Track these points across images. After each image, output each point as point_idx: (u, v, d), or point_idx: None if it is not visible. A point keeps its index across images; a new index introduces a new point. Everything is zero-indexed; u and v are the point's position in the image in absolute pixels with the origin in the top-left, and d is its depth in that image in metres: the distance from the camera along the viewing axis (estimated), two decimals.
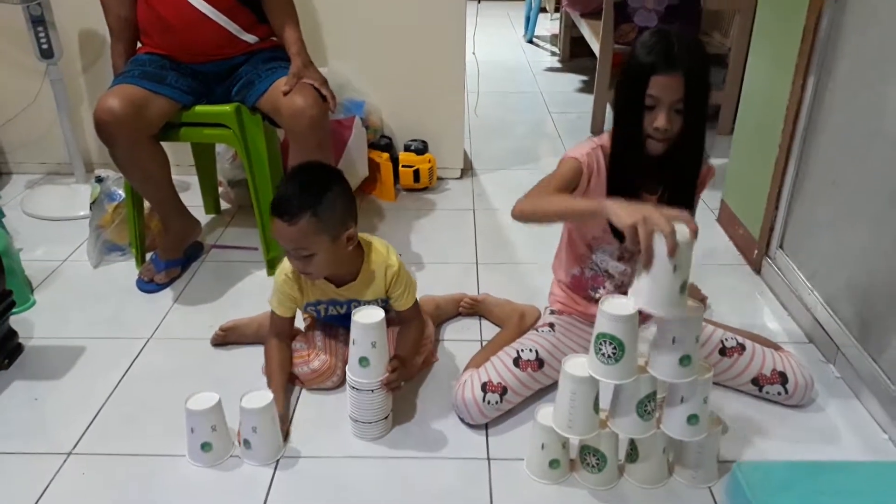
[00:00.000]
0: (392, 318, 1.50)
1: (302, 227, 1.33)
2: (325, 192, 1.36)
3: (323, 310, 1.54)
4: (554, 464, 1.31)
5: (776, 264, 1.92)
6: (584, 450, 1.30)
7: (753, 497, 0.90)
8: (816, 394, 1.52)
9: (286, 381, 1.51)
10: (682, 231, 1.09)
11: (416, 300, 1.55)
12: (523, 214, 1.32)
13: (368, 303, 1.49)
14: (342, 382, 1.53)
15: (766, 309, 1.87)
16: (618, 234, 1.37)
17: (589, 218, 1.32)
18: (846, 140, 1.63)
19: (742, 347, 1.49)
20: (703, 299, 1.83)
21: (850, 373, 1.56)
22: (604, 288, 1.54)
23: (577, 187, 1.38)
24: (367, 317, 1.34)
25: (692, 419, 1.23)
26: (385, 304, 1.52)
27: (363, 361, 1.35)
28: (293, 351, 1.55)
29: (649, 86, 1.26)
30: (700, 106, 1.30)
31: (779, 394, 1.47)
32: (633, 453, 1.31)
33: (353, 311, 1.36)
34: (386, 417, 1.42)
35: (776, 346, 1.52)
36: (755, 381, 1.48)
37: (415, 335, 1.54)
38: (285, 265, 1.48)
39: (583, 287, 1.56)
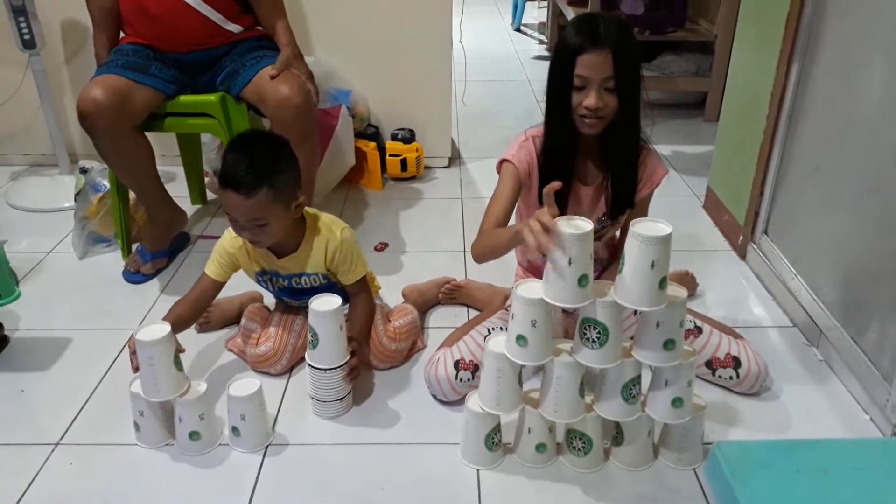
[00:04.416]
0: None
1: (259, 200, 1.33)
2: (278, 163, 1.37)
3: (269, 281, 1.55)
4: (540, 448, 1.32)
5: (761, 250, 1.94)
6: (570, 433, 1.31)
7: (732, 475, 0.91)
8: (771, 382, 1.52)
9: (187, 319, 1.51)
10: (661, 228, 1.11)
11: (364, 276, 1.55)
12: (481, 257, 1.42)
13: (310, 276, 1.50)
14: (289, 369, 1.57)
15: (751, 294, 1.88)
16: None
17: (520, 242, 1.28)
18: (829, 126, 1.64)
19: (699, 330, 1.49)
20: (694, 287, 1.85)
21: (832, 355, 1.58)
22: None
23: (522, 187, 1.42)
24: (324, 304, 1.37)
25: (676, 402, 1.25)
26: (326, 279, 1.52)
27: (318, 344, 1.38)
28: (249, 332, 1.57)
29: (577, 65, 1.26)
30: (631, 83, 1.29)
31: (730, 378, 1.47)
32: (618, 436, 1.32)
33: (310, 300, 1.38)
34: (341, 399, 1.44)
35: (736, 335, 1.53)
36: (709, 364, 1.48)
37: (363, 312, 1.54)
38: (232, 233, 1.48)
39: (539, 271, 1.59)
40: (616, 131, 1.34)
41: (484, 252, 1.42)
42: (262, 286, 1.59)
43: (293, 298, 1.59)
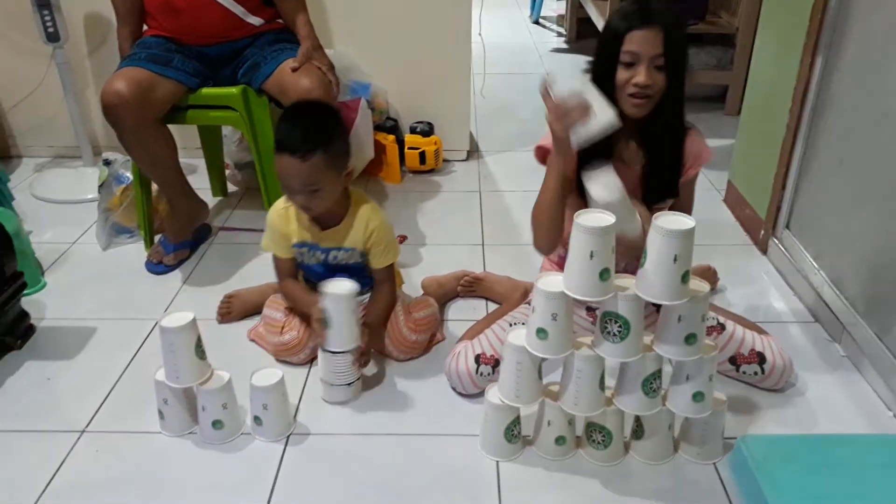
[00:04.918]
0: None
1: (315, 163, 1.38)
2: (332, 128, 1.42)
3: (307, 254, 1.56)
4: (560, 440, 1.32)
5: (783, 244, 1.92)
6: (590, 427, 1.31)
7: (757, 469, 0.91)
8: (796, 378, 1.51)
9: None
10: (684, 222, 1.11)
11: (393, 264, 1.58)
12: (541, 239, 1.41)
13: (347, 251, 1.53)
14: (311, 359, 1.57)
15: (773, 289, 1.87)
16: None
17: (565, 169, 1.31)
18: (853, 119, 1.63)
19: (722, 327, 1.48)
20: (715, 282, 1.83)
21: (855, 351, 1.56)
22: None
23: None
24: (338, 287, 1.39)
25: (697, 396, 1.25)
26: (363, 257, 1.55)
27: (330, 326, 1.39)
28: (272, 320, 1.58)
29: (627, 42, 1.26)
30: (680, 64, 1.29)
31: (755, 374, 1.46)
32: (638, 430, 1.32)
33: (323, 283, 1.40)
34: (349, 384, 1.45)
35: (760, 330, 1.52)
36: (733, 360, 1.47)
37: (385, 301, 1.57)
38: (279, 204, 1.53)
39: None
40: (661, 113, 1.32)
41: (539, 229, 1.40)
42: (297, 258, 1.60)
43: (324, 276, 1.58)
